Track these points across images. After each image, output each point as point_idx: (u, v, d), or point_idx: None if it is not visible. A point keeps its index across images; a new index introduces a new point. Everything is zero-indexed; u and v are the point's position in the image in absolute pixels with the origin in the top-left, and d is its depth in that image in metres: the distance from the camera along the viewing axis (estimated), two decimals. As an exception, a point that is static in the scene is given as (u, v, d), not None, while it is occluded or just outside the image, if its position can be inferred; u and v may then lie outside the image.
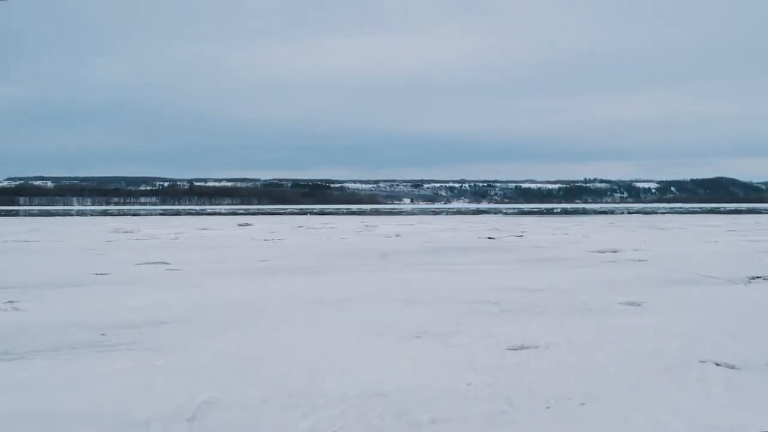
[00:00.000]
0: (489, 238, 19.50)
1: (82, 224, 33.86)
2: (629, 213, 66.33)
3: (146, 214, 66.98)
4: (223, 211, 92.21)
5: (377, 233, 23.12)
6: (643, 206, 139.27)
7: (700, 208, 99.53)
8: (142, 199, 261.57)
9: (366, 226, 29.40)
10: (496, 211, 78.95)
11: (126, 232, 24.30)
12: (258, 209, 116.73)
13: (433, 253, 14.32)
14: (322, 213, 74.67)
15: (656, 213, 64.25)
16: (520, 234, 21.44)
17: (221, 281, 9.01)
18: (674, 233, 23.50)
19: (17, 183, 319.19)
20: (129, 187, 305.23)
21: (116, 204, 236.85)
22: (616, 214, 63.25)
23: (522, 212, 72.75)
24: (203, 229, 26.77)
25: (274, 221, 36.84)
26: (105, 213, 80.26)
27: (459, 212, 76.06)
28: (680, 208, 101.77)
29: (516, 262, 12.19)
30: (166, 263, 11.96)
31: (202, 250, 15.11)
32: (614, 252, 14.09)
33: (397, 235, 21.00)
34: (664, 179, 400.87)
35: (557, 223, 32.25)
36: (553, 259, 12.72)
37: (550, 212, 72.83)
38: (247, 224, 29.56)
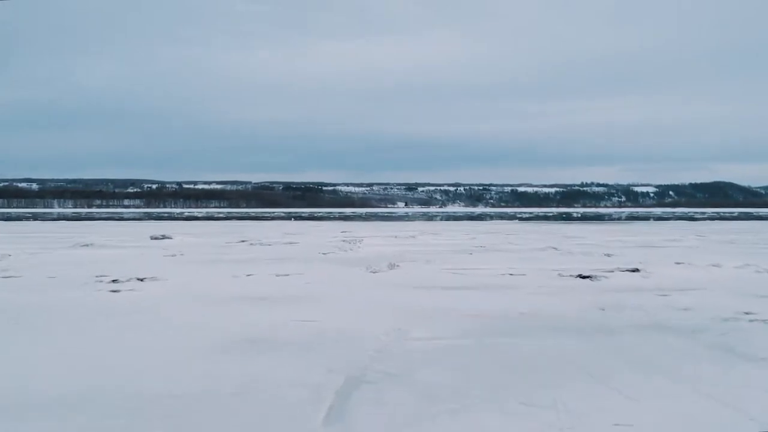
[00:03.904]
0: (581, 277, 9.47)
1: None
2: (666, 219, 56.44)
3: (87, 219, 56.58)
4: (200, 215, 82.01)
5: (357, 257, 13.14)
6: (666, 210, 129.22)
7: (731, 213, 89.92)
8: (126, 202, 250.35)
9: (345, 241, 19.34)
10: (504, 216, 68.97)
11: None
12: (242, 213, 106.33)
13: (519, 374, 4.31)
14: (310, 218, 64.75)
15: (695, 218, 54.48)
16: (625, 263, 11.41)
17: None
18: None
19: (1, 185, 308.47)
20: (116, 190, 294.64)
21: (98, 207, 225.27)
22: (652, 220, 53.35)
23: (537, 217, 62.82)
24: (85, 245, 16.71)
25: (213, 232, 26.61)
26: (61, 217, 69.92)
27: (466, 218, 66.01)
28: (713, 213, 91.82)
29: None
30: None
31: None
32: None
33: (392, 266, 10.98)
34: (661, 183, 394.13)
35: (627, 236, 22.21)
36: None
37: (569, 217, 62.94)
38: (164, 237, 19.50)
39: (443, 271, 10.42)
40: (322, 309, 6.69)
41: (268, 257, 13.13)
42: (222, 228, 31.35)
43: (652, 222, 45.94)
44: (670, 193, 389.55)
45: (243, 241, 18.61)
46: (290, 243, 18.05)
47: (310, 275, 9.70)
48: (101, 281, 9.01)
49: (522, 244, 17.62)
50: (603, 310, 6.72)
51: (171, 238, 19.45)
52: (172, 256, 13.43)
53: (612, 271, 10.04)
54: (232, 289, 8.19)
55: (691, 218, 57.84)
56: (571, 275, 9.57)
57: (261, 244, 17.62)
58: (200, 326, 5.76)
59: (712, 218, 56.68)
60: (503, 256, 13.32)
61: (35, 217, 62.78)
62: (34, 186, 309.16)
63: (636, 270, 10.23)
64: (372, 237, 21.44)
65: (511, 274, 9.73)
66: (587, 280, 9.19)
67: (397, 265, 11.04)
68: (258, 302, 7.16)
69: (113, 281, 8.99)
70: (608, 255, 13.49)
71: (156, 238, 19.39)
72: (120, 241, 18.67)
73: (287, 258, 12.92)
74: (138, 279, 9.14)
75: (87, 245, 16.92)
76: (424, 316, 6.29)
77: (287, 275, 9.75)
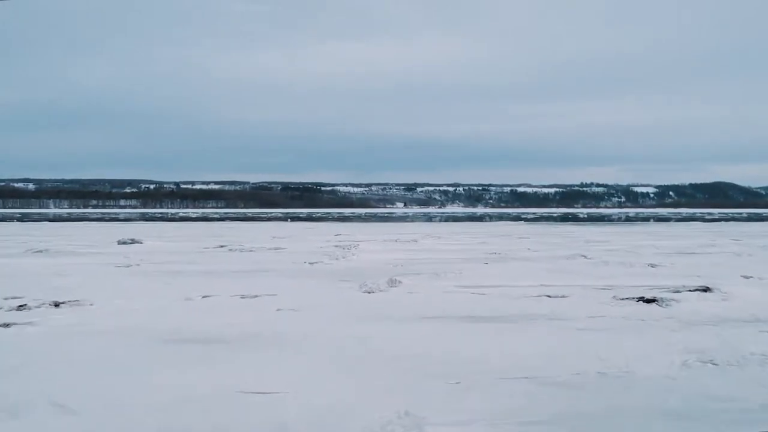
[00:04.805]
0: (644, 300, 7.16)
1: None
2: (676, 220, 54.17)
3: (75, 220, 54.14)
4: (194, 216, 79.66)
5: (350, 268, 10.87)
6: (671, 211, 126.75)
7: (738, 213, 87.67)
8: (122, 202, 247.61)
9: (338, 246, 17.06)
10: (505, 217, 66.72)
11: None
12: (238, 213, 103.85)
13: None
14: (307, 218, 62.67)
15: (706, 220, 52.23)
16: (683, 278, 9.11)
17: None
18: None
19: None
20: (113, 190, 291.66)
21: (94, 207, 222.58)
22: (662, 221, 51.11)
23: (542, 218, 60.55)
24: (38, 251, 14.42)
25: (193, 236, 24.18)
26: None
27: (469, 219, 63.74)
28: (720, 213, 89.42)
29: None
30: None
31: None
32: None
33: (392, 283, 8.66)
34: (661, 183, 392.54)
35: (655, 240, 19.89)
36: None
37: (576, 218, 60.70)
38: (133, 242, 17.19)
39: (458, 289, 8.14)
40: (286, 364, 4.40)
41: (241, 268, 10.83)
42: (207, 230, 29.04)
43: (665, 223, 43.68)
44: (670, 193, 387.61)
45: (222, 247, 16.31)
46: (276, 249, 15.76)
47: (285, 297, 7.40)
48: (1, 307, 6.71)
49: (541, 250, 15.33)
50: (715, 364, 4.44)
51: (141, 243, 17.16)
52: (126, 267, 11.12)
53: (678, 291, 7.74)
54: (171, 322, 5.89)
55: (702, 219, 55.65)
56: (629, 297, 7.28)
57: (241, 250, 15.33)
58: (67, 406, 3.47)
59: (725, 219, 54.43)
60: (526, 267, 11.03)
61: (21, 218, 60.41)
62: (31, 186, 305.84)
63: (707, 289, 7.93)
64: (369, 241, 19.16)
65: (548, 296, 7.43)
66: (654, 305, 6.91)
67: (399, 281, 8.75)
68: (196, 348, 4.88)
69: (19, 307, 6.70)
70: (652, 266, 11.20)
71: (124, 243, 17.09)
72: (81, 247, 16.36)
73: (265, 269, 10.63)
74: (53, 304, 6.84)
75: (40, 251, 14.62)
76: (444, 380, 4.00)
77: (256, 297, 7.45)
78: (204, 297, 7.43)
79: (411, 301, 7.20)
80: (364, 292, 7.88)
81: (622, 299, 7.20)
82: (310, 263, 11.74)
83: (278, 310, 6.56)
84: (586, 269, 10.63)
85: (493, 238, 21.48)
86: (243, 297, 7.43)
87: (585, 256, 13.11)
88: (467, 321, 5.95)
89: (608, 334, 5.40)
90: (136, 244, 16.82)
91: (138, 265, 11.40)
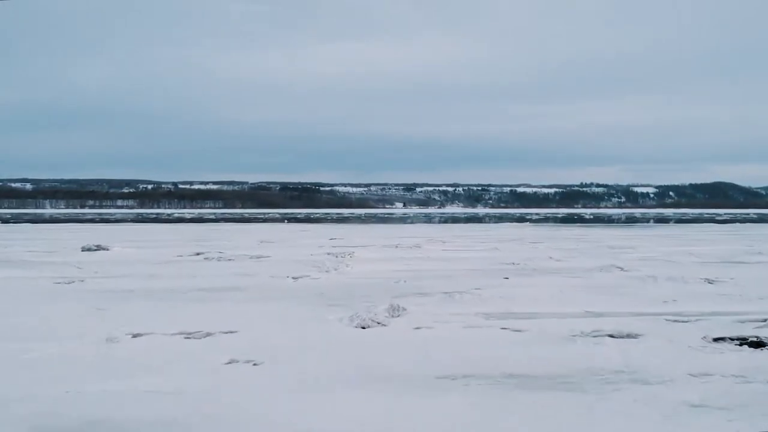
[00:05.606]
0: (749, 344, 5.14)
1: None
2: (685, 221, 52.15)
3: (65, 221, 52.03)
4: (189, 216, 77.58)
5: (341, 284, 8.87)
6: (676, 211, 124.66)
7: (745, 214, 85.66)
8: (119, 202, 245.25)
9: (330, 254, 15.04)
10: (506, 218, 64.72)
11: None
12: (234, 214, 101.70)
13: None
14: (305, 219, 60.84)
15: (717, 221, 50.25)
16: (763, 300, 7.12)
17: None
18: None
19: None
20: (110, 190, 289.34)
21: (90, 207, 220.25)
22: (673, 222, 49.13)
23: (547, 219, 58.49)
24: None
25: (169, 240, 21.94)
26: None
27: (471, 220, 61.73)
28: (726, 214, 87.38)
29: None
30: None
31: None
32: None
33: (393, 310, 6.61)
34: (661, 184, 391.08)
35: (685, 245, 17.81)
36: None
37: (583, 219, 58.68)
38: (98, 248, 15.14)
39: (480, 320, 6.13)
40: None
41: (208, 285, 8.79)
42: (193, 233, 26.98)
43: (679, 225, 41.63)
44: (671, 193, 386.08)
45: (198, 254, 14.28)
46: (258, 257, 13.73)
47: (247, 337, 5.37)
48: None
49: (564, 259, 13.31)
50: None
51: (107, 250, 15.12)
52: (68, 283, 9.08)
53: (780, 326, 5.73)
54: (63, 387, 3.86)
55: (713, 220, 53.70)
56: (724, 338, 5.26)
57: (219, 258, 13.30)
58: None
59: (738, 221, 52.43)
60: (556, 284, 9.00)
61: (8, 220, 58.32)
62: (28, 186, 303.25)
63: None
64: (366, 247, 17.14)
65: (611, 335, 5.39)
66: (763, 351, 4.89)
67: (402, 308, 6.72)
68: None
69: None
70: (710, 282, 9.19)
71: (88, 250, 15.06)
72: (37, 254, 14.32)
73: (236, 287, 8.60)
74: None
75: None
76: None
77: (207, 335, 5.43)
78: (135, 336, 5.40)
79: (421, 342, 5.18)
80: (356, 327, 5.86)
81: (716, 340, 5.18)
82: (293, 278, 9.70)
83: (230, 362, 4.54)
84: (633, 287, 8.60)
85: (504, 243, 19.44)
86: (188, 336, 5.40)
87: (621, 268, 11.08)
88: (512, 386, 3.93)
89: (740, 415, 3.38)
90: (101, 251, 14.80)
91: (83, 281, 9.36)
